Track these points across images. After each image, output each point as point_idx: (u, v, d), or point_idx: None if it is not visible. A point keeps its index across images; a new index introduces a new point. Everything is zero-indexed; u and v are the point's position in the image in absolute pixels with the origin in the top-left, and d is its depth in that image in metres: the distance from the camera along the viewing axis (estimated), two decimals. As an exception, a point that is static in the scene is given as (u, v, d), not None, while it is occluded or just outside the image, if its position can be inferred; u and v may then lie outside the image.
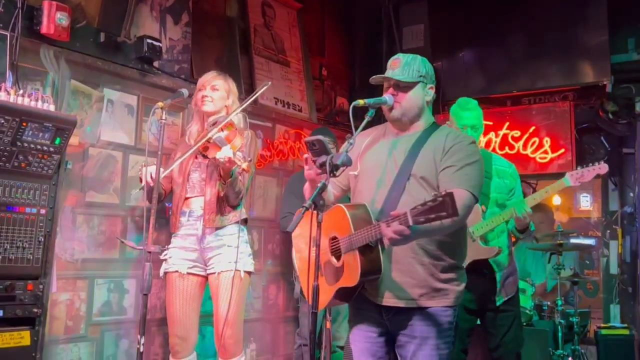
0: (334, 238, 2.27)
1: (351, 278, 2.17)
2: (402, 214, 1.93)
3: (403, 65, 2.31)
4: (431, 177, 2.23)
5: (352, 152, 2.17)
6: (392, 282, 2.23)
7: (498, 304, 3.32)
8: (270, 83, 3.23)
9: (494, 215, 3.29)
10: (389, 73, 2.32)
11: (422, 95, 2.34)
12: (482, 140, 5.58)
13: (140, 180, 3.14)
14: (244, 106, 3.27)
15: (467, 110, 3.36)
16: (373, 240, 2.10)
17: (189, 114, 3.72)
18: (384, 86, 2.37)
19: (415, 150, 2.28)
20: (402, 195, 2.23)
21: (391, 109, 2.32)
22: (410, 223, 1.91)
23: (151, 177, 3.10)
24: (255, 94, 3.31)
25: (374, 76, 2.34)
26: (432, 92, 2.37)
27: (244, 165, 2.90)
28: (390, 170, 2.30)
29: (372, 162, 2.37)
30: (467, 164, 2.21)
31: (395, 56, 2.37)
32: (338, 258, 2.26)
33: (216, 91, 3.36)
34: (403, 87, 2.31)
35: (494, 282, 3.31)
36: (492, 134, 5.65)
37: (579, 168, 3.26)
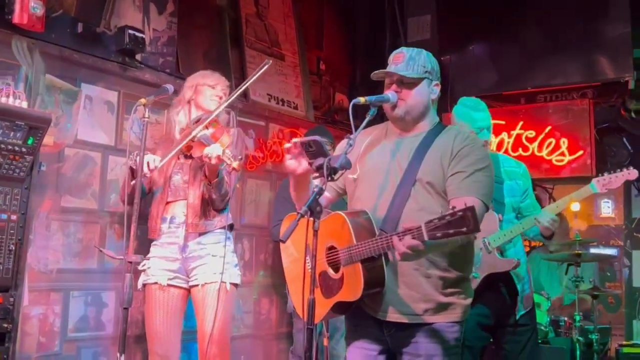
0: (332, 248, 2.27)
1: (352, 292, 2.17)
2: (417, 227, 1.91)
3: (407, 60, 2.32)
4: (438, 183, 2.24)
5: (351, 154, 2.17)
6: (395, 295, 2.23)
7: (517, 317, 3.32)
8: (270, 62, 3.14)
9: (510, 222, 3.30)
10: (391, 68, 2.32)
11: (427, 92, 2.35)
12: (494, 142, 5.60)
13: (132, 170, 3.07)
14: (239, 91, 3.19)
15: (480, 112, 3.37)
16: (378, 253, 2.11)
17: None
18: (385, 82, 2.37)
19: (420, 153, 2.28)
20: (407, 202, 2.23)
21: (394, 107, 2.32)
22: (426, 238, 1.89)
23: (148, 167, 3.06)
24: (254, 74, 3.18)
25: (375, 71, 2.34)
26: (437, 90, 2.38)
27: (235, 164, 2.90)
28: (393, 174, 2.30)
29: (373, 165, 2.37)
30: (477, 170, 2.21)
31: (398, 50, 2.37)
32: (336, 269, 2.26)
33: (224, 95, 3.39)
34: (407, 83, 2.31)
35: (514, 296, 3.31)
36: (504, 134, 5.67)
37: (606, 174, 3.27)
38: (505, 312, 3.32)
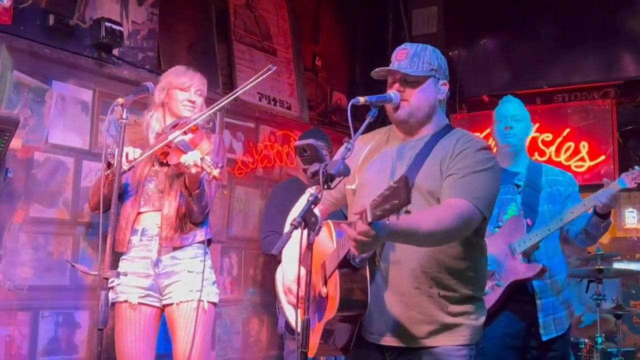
0: (324, 263, 2.29)
1: (332, 307, 2.17)
2: (363, 210, 1.92)
3: (411, 57, 2.33)
4: (438, 190, 2.24)
5: (350, 160, 2.18)
6: (394, 317, 2.23)
7: (545, 338, 3.29)
8: (274, 68, 3.08)
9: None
10: (394, 65, 2.33)
11: (433, 92, 2.36)
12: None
13: (109, 166, 3.06)
14: (230, 99, 3.18)
15: (507, 102, 3.62)
16: (354, 257, 2.10)
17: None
18: (388, 81, 2.39)
19: (420, 158, 2.29)
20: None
21: (397, 108, 2.33)
22: (369, 219, 1.89)
23: (127, 158, 3.04)
24: (252, 81, 3.16)
25: (377, 69, 2.36)
26: (445, 89, 2.40)
27: (216, 172, 2.89)
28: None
29: (372, 174, 2.37)
30: (472, 172, 2.21)
31: (402, 46, 2.38)
32: (326, 286, 2.27)
33: (200, 97, 3.36)
34: (411, 82, 2.33)
35: (535, 310, 3.30)
36: (519, 138, 5.68)
37: (636, 167, 3.29)
38: (531, 330, 3.30)
